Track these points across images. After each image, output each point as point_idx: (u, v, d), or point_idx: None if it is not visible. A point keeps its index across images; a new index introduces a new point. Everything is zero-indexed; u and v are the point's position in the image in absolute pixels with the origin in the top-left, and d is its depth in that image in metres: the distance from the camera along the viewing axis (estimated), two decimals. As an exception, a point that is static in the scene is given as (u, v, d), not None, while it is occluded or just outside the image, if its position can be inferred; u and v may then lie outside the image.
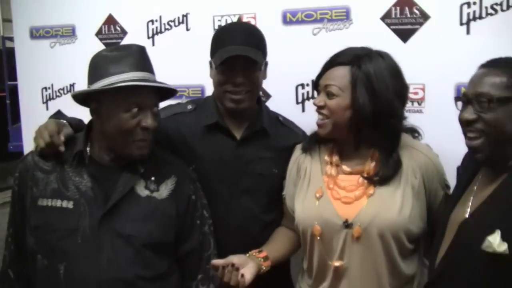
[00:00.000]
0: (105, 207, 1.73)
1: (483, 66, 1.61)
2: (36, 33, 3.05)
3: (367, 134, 1.87)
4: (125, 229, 1.73)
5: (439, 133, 2.23)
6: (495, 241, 1.41)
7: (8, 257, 1.87)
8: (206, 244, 1.93)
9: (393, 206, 1.81)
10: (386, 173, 1.84)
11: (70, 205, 1.74)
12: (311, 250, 1.91)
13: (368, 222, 1.79)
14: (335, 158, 1.94)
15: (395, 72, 1.86)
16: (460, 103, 1.61)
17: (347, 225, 1.81)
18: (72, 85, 2.98)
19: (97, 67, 1.75)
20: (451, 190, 1.89)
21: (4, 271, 1.87)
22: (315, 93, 2.32)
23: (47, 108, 3.03)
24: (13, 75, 3.70)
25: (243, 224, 2.08)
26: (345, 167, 1.92)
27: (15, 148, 3.83)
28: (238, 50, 1.96)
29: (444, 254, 1.61)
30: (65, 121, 1.92)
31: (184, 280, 1.90)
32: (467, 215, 1.58)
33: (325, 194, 1.88)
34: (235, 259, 1.83)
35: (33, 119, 2.92)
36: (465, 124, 1.56)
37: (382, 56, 1.86)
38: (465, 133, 1.57)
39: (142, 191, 1.79)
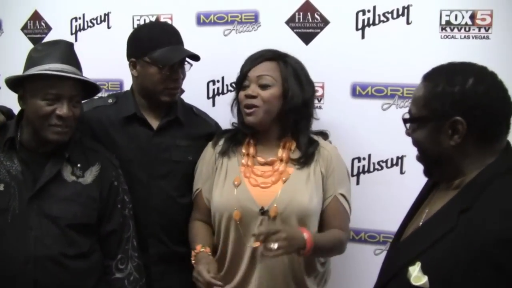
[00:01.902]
0: (33, 190, 1.88)
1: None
2: None
3: (290, 122, 2.07)
4: (51, 211, 1.88)
5: (336, 127, 2.44)
6: (413, 273, 1.33)
7: None
8: (126, 226, 2.07)
9: (305, 192, 2.00)
10: (309, 152, 2.06)
11: (1, 187, 1.88)
12: (226, 235, 2.05)
13: (284, 207, 1.97)
14: (251, 150, 2.11)
15: (304, 67, 2.15)
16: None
17: (263, 212, 1.98)
18: None
19: (29, 58, 1.91)
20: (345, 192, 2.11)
21: None
22: (225, 88, 2.58)
23: None
24: None
25: (161, 206, 2.24)
26: (260, 158, 2.09)
27: None
28: (184, 50, 2.21)
29: (379, 272, 1.59)
30: None
31: (104, 259, 2.04)
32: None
33: (243, 182, 2.05)
34: (210, 273, 1.86)
35: None
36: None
37: (291, 57, 2.14)
38: None
39: (68, 176, 1.94)
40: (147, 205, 2.21)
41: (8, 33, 3.05)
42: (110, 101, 2.31)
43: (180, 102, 2.37)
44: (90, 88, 2.00)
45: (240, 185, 2.04)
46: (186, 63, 2.25)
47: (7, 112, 2.08)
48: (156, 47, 2.16)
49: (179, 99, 2.38)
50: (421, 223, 1.47)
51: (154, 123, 2.27)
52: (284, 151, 2.08)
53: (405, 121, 1.47)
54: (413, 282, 1.31)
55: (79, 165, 1.97)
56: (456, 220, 1.29)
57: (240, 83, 2.10)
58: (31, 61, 1.88)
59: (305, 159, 2.05)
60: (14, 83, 1.91)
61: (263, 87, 2.02)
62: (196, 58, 2.25)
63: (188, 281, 2.00)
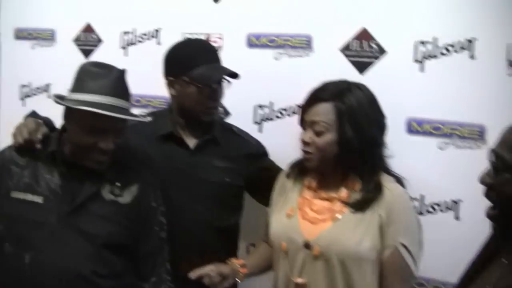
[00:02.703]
0: (71, 206, 1.84)
1: None
2: (20, 34, 3.17)
3: (351, 164, 1.91)
4: (87, 228, 1.84)
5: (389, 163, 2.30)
6: None
7: None
8: (161, 249, 2.02)
9: (355, 234, 1.84)
10: (367, 198, 1.88)
11: (40, 200, 1.85)
12: (277, 265, 2.00)
13: (327, 244, 1.84)
14: (313, 184, 1.99)
15: (374, 102, 1.94)
16: None
17: (307, 245, 1.87)
18: (47, 85, 3.08)
19: (78, 79, 1.84)
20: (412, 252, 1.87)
21: None
22: (274, 114, 2.49)
23: (23, 104, 3.14)
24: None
25: (195, 230, 2.17)
26: (321, 193, 1.97)
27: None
28: (223, 68, 2.16)
29: None
30: (41, 121, 2.01)
31: (137, 281, 1.99)
32: None
33: (296, 213, 1.96)
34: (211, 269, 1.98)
35: (10, 114, 3.05)
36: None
37: (360, 88, 1.94)
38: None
39: (107, 194, 1.89)
40: (180, 227, 2.11)
41: (60, 44, 3.07)
42: (148, 119, 2.19)
43: (219, 122, 2.31)
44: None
45: (293, 216, 1.96)
46: (224, 81, 2.19)
47: (49, 123, 2.04)
48: (195, 66, 2.10)
49: (219, 118, 2.33)
50: None
51: (191, 143, 2.21)
52: (345, 190, 1.93)
53: (497, 168, 1.28)
54: None
55: (118, 184, 1.92)
56: None
57: (300, 123, 1.99)
58: (81, 84, 1.82)
59: (361, 205, 1.89)
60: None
61: (317, 133, 1.88)
62: (235, 75, 2.17)
63: None
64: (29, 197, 1.86)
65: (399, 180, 2.00)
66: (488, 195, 1.35)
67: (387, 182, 1.94)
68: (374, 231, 1.86)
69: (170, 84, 2.19)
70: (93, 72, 1.83)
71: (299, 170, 2.06)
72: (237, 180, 2.24)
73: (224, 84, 2.19)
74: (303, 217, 1.94)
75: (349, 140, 1.86)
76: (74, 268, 1.81)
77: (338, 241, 1.84)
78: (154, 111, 2.43)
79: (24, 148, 1.92)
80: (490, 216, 1.37)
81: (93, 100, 1.77)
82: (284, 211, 2.00)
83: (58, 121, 1.96)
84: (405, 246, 1.86)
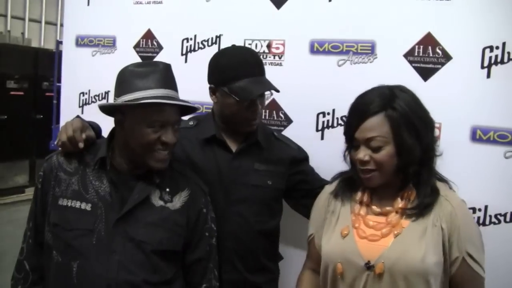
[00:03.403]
0: (120, 212, 1.82)
1: None
2: (81, 41, 3.21)
3: (412, 173, 1.83)
4: (137, 235, 1.82)
5: (450, 172, 2.25)
6: None
7: (25, 250, 1.97)
8: (211, 255, 2.01)
9: (420, 249, 1.76)
10: (425, 202, 1.81)
11: (88, 207, 1.84)
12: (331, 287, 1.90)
13: (391, 263, 1.76)
14: (366, 198, 1.92)
15: (420, 102, 1.86)
16: None
17: (369, 266, 1.78)
18: (107, 93, 3.12)
19: (124, 81, 1.83)
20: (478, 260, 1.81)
21: (20, 262, 1.97)
22: (335, 121, 2.46)
23: (82, 112, 3.17)
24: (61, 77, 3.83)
25: (238, 232, 2.18)
26: (375, 208, 1.89)
27: (55, 147, 3.98)
28: (265, 84, 2.15)
29: None
30: (87, 124, 2.04)
31: (187, 286, 1.98)
32: None
33: (351, 232, 1.86)
34: None
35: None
36: None
37: (403, 90, 1.86)
38: None
39: (156, 201, 1.88)
40: (223, 230, 2.12)
41: (121, 50, 3.11)
42: (191, 123, 2.29)
43: (261, 126, 2.31)
44: (184, 109, 1.95)
45: (348, 235, 1.86)
46: (267, 92, 2.21)
47: (96, 128, 2.07)
48: (236, 79, 2.10)
49: (261, 123, 2.31)
50: None
51: (234, 146, 2.23)
52: (402, 201, 1.85)
53: None
54: None
55: (168, 189, 1.91)
56: None
57: (349, 141, 1.90)
58: (128, 85, 1.81)
59: (419, 210, 1.81)
60: (110, 107, 1.89)
61: (375, 149, 1.79)
62: (276, 91, 2.16)
63: None
64: (77, 204, 1.85)
65: (448, 184, 1.93)
66: None
67: (442, 189, 1.87)
68: (437, 244, 1.78)
69: (212, 91, 2.21)
70: (139, 71, 1.83)
71: (346, 186, 1.99)
72: (279, 183, 2.26)
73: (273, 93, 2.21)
74: (360, 236, 1.85)
75: (411, 148, 1.79)
76: (123, 277, 1.79)
77: (404, 256, 1.76)
78: (197, 115, 2.40)
79: (67, 148, 1.93)
80: None
81: (149, 95, 1.78)
82: (338, 231, 1.90)
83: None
84: (471, 256, 1.80)
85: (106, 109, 1.91)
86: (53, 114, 7.51)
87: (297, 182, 2.31)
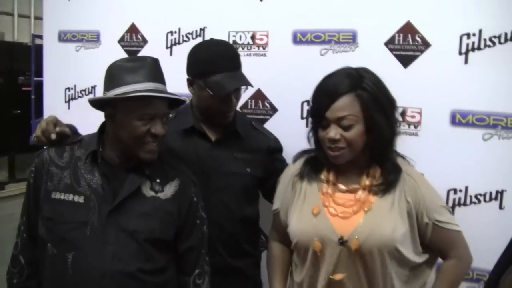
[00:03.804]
0: (112, 204, 1.87)
1: None
2: (64, 37, 3.20)
3: (380, 151, 1.94)
4: (129, 225, 1.87)
5: (432, 156, 2.38)
6: None
7: (20, 244, 2.02)
8: (203, 242, 2.07)
9: (388, 224, 1.88)
10: (391, 178, 1.93)
11: (81, 199, 1.89)
12: (301, 263, 2.01)
13: (365, 238, 1.86)
14: (332, 177, 2.00)
15: (383, 82, 1.94)
16: None
17: (342, 242, 1.88)
18: (93, 87, 3.13)
19: (113, 76, 1.88)
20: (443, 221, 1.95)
21: (15, 257, 2.02)
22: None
23: (68, 107, 3.19)
24: (39, 71, 3.79)
25: (219, 219, 2.26)
26: (341, 186, 1.98)
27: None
28: (239, 79, 2.21)
29: None
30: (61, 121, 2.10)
31: (181, 274, 2.04)
32: None
33: (322, 211, 1.95)
34: None
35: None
36: None
37: (367, 71, 1.95)
38: None
39: (147, 191, 1.93)
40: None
41: (105, 45, 3.11)
42: (171, 115, 2.25)
43: (240, 116, 2.40)
44: (173, 102, 2.00)
45: (320, 214, 1.94)
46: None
47: (73, 127, 2.14)
48: (211, 73, 2.16)
49: (239, 113, 2.41)
50: None
51: (213, 136, 2.30)
52: (368, 179, 1.95)
53: None
54: None
55: (158, 180, 1.97)
56: None
57: (318, 121, 1.96)
58: (117, 80, 1.86)
59: (386, 186, 1.92)
60: (100, 101, 1.93)
61: (346, 128, 1.86)
62: (251, 85, 2.25)
63: None
64: (70, 197, 1.90)
65: (406, 159, 2.05)
66: None
67: (403, 165, 1.99)
68: (404, 216, 1.91)
69: (189, 83, 2.29)
70: (128, 66, 1.88)
71: (311, 166, 2.06)
72: (257, 171, 2.34)
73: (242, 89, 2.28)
74: (331, 213, 1.94)
75: (380, 126, 1.88)
76: (117, 267, 1.84)
77: (376, 231, 1.87)
78: (177, 108, 2.48)
79: (41, 141, 2.00)
80: None
81: (139, 88, 1.83)
82: (307, 209, 1.98)
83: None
84: (440, 221, 1.95)
85: (96, 103, 1.95)
86: (32, 108, 7.44)
87: (272, 171, 2.37)
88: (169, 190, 1.97)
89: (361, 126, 1.87)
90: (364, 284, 1.88)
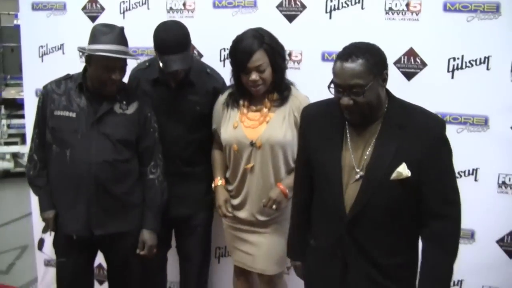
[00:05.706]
0: (94, 118, 2.57)
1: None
2: (36, 6, 3.54)
3: (280, 83, 2.62)
4: (106, 131, 2.59)
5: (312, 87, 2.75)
6: (404, 170, 1.85)
7: (34, 146, 2.73)
8: (156, 144, 2.76)
9: (281, 130, 2.61)
10: (284, 95, 2.62)
11: (73, 115, 2.59)
12: (229, 160, 2.76)
13: (266, 139, 2.61)
14: (246, 103, 2.69)
15: (273, 35, 2.58)
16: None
17: (252, 144, 2.63)
18: (61, 45, 3.50)
19: (93, 34, 2.54)
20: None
21: (31, 156, 2.74)
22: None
23: (42, 61, 3.56)
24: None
25: (175, 139, 2.87)
26: (252, 107, 2.69)
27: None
28: (182, 62, 2.64)
29: (357, 194, 1.95)
30: None
31: (141, 165, 2.74)
32: (365, 160, 1.97)
33: (239, 125, 2.68)
34: (226, 204, 2.74)
35: (31, 69, 3.54)
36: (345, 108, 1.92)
37: (263, 29, 2.58)
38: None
39: (117, 109, 2.64)
40: (166, 139, 2.82)
41: (71, 13, 3.45)
42: (147, 64, 2.93)
43: (196, 64, 2.87)
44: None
45: (238, 127, 2.67)
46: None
47: None
48: (160, 53, 2.63)
49: (198, 62, 2.94)
50: (353, 154, 1.97)
51: (173, 83, 2.82)
52: (269, 101, 2.65)
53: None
54: (407, 173, 1.85)
55: (124, 102, 2.65)
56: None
57: (241, 70, 2.56)
58: (96, 38, 2.53)
59: (281, 101, 2.63)
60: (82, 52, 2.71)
61: (261, 72, 2.53)
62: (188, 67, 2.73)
63: (190, 189, 2.89)
64: (67, 113, 2.59)
65: (294, 86, 2.70)
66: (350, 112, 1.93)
67: (293, 90, 2.68)
68: (292, 126, 2.63)
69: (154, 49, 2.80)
70: (102, 30, 2.54)
71: (233, 98, 2.72)
72: (205, 109, 2.85)
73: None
74: (245, 126, 2.67)
75: (281, 67, 2.61)
76: (100, 158, 2.56)
77: (272, 136, 2.61)
78: (151, 58, 3.01)
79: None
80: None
81: (106, 48, 2.48)
82: (231, 124, 2.70)
83: (70, 71, 2.71)
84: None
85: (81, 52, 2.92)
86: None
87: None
88: (132, 108, 2.66)
89: (270, 69, 2.56)
90: (269, 169, 2.62)
